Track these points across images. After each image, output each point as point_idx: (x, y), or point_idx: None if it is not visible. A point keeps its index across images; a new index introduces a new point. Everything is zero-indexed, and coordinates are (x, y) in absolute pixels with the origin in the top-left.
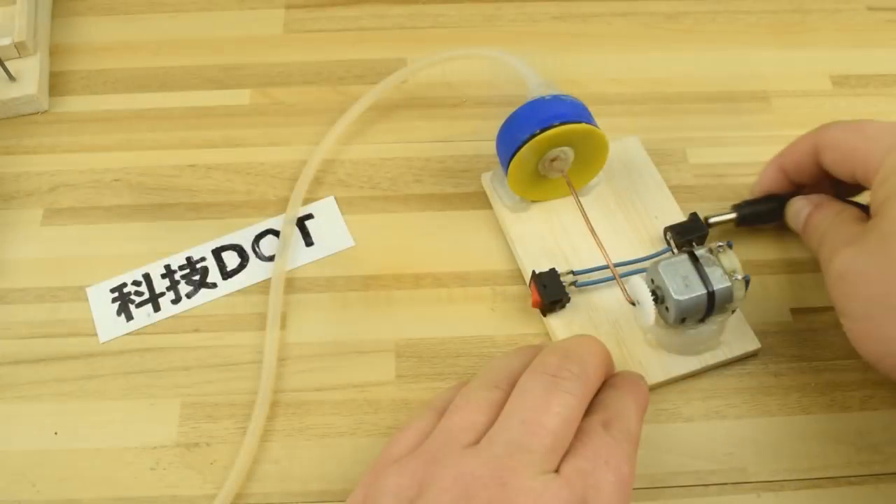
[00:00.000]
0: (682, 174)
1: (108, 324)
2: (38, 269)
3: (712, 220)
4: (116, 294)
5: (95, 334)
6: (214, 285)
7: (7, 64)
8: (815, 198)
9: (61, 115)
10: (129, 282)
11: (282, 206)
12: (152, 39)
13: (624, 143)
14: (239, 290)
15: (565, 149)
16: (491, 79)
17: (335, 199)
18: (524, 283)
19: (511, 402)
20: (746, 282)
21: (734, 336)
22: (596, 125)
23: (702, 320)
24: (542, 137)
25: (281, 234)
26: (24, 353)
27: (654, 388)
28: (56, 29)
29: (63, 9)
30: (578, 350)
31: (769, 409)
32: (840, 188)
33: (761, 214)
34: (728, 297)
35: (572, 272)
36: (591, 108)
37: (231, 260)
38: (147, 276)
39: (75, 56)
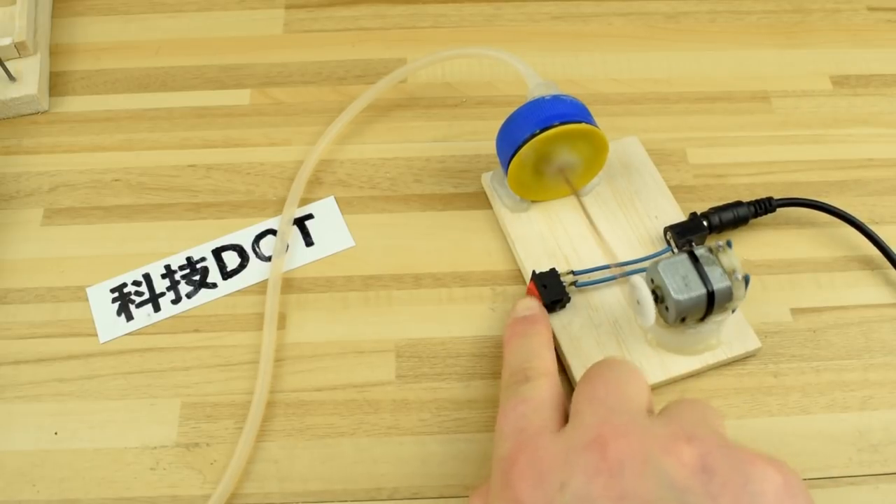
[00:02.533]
0: (682, 174)
1: (108, 324)
2: (38, 269)
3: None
4: (116, 294)
5: (95, 334)
6: (214, 285)
7: (7, 64)
8: None
9: (61, 115)
10: (129, 282)
11: (282, 206)
12: (152, 39)
13: (624, 143)
14: (239, 291)
15: (565, 149)
16: (491, 79)
17: (335, 199)
18: (524, 283)
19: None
20: (746, 281)
21: (734, 336)
22: (596, 125)
23: (702, 320)
24: (542, 137)
25: (278, 234)
26: (24, 353)
27: (654, 388)
28: (56, 29)
29: (63, 9)
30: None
31: (769, 409)
32: None
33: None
34: (728, 296)
35: (572, 272)
36: (591, 108)
37: (231, 260)
38: (147, 276)
39: (75, 56)
